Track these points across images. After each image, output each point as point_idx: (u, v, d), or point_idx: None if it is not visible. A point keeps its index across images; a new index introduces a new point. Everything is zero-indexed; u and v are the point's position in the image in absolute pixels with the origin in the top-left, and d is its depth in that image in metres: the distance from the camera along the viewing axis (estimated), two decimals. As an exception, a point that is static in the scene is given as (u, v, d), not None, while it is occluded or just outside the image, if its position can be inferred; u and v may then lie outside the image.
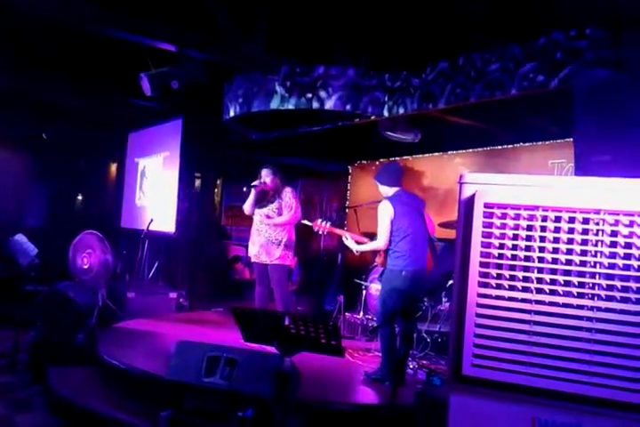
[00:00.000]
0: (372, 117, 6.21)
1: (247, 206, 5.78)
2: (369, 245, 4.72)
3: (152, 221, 8.09)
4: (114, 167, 11.34)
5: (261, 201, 5.73)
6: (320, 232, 5.08)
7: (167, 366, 3.02)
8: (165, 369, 3.04)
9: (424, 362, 4.91)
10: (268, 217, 5.62)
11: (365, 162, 9.13)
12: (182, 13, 5.60)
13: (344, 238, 4.89)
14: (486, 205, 2.39)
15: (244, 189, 5.77)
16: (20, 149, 10.26)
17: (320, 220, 5.12)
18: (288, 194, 5.66)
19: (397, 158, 8.13)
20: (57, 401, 4.55)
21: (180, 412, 2.84)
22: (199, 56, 6.15)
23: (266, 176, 5.66)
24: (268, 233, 5.63)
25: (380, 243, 4.53)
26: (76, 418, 4.27)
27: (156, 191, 9.37)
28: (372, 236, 4.76)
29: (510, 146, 6.88)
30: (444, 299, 5.64)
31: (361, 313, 6.40)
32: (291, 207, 5.61)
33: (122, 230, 10.27)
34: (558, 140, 6.22)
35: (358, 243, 4.81)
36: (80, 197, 11.22)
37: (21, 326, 5.53)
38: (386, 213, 4.49)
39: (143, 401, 4.13)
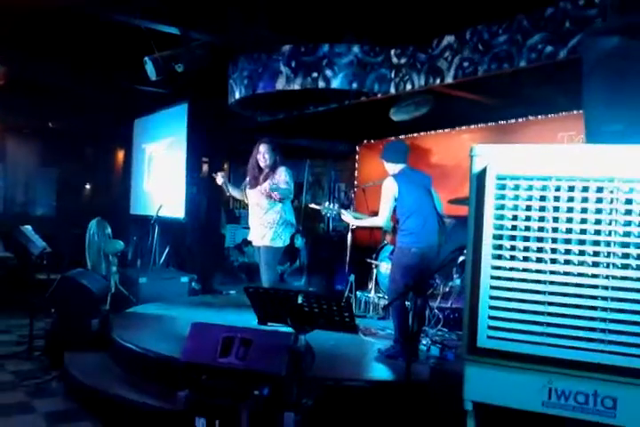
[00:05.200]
0: (379, 95, 6.15)
1: (231, 193, 5.64)
2: (367, 221, 4.69)
3: (161, 206, 8.10)
4: (121, 154, 11.32)
5: (256, 180, 5.42)
6: (328, 215, 5.06)
7: (182, 347, 3.03)
8: (180, 351, 3.05)
9: (437, 338, 4.92)
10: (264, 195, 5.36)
11: (373, 141, 9.07)
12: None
13: (342, 215, 4.88)
14: (498, 177, 2.37)
15: (213, 174, 5.54)
16: (28, 138, 10.27)
17: (327, 202, 5.09)
18: (283, 172, 5.34)
19: (405, 136, 8.07)
20: (74, 386, 4.60)
21: (197, 392, 2.86)
22: (203, 38, 6.09)
23: (265, 153, 5.33)
24: (259, 215, 5.38)
25: (379, 219, 4.49)
26: (93, 402, 4.32)
27: (164, 177, 9.36)
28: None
29: (519, 120, 6.74)
30: (455, 275, 5.63)
31: (372, 292, 6.40)
32: (285, 183, 5.31)
33: (131, 217, 10.30)
34: (567, 113, 6.11)
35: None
36: (88, 185, 11.24)
37: (36, 313, 5.58)
38: (389, 190, 4.43)
39: (159, 383, 4.15)
